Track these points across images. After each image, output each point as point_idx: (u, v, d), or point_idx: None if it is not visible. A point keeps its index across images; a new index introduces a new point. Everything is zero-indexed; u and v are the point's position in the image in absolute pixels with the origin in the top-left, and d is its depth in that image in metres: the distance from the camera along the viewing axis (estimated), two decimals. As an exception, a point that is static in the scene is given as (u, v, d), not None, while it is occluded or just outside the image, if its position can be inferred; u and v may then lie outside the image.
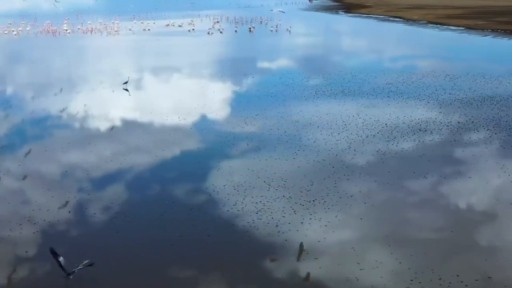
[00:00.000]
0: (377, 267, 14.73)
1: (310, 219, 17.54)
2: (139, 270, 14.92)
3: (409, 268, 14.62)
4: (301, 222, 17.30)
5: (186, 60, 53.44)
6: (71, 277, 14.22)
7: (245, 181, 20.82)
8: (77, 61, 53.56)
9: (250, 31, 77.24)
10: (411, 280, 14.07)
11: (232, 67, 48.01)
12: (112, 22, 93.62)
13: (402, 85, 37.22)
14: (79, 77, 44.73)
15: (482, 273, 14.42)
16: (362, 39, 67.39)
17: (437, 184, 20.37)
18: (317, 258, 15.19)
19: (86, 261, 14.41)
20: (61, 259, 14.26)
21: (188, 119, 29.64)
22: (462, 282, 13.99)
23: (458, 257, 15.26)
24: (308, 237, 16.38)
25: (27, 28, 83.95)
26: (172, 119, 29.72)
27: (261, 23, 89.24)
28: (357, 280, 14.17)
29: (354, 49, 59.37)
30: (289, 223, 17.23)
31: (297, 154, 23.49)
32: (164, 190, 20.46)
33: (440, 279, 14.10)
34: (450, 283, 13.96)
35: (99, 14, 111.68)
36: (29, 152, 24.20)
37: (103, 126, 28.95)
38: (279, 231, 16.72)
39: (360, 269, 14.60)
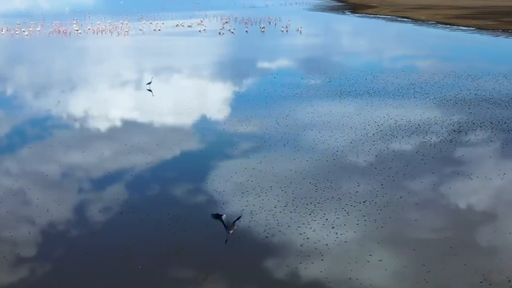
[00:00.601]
0: (377, 267, 14.66)
1: (310, 219, 17.46)
2: (139, 270, 14.79)
3: (410, 269, 14.55)
4: (301, 222, 17.22)
5: (202, 61, 53.19)
6: (231, 231, 16.09)
7: (245, 181, 20.78)
8: (95, 62, 53.26)
9: (262, 31, 77.02)
10: (411, 280, 14.01)
11: (249, 68, 47.78)
12: (121, 23, 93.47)
13: (426, 85, 37.09)
14: (100, 77, 44.51)
15: (483, 274, 14.34)
16: (374, 40, 67.14)
17: (437, 184, 20.21)
18: (317, 258, 15.13)
19: (239, 216, 16.88)
20: (224, 216, 16.39)
21: (213, 118, 29.54)
22: (462, 282, 13.93)
23: (458, 258, 15.15)
24: (308, 237, 16.30)
25: (38, 29, 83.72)
26: (197, 118, 29.60)
27: (270, 23, 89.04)
28: (358, 280, 14.08)
29: (369, 50, 59.14)
30: (289, 223, 17.16)
31: (297, 154, 23.48)
32: (164, 190, 20.37)
33: (440, 279, 14.02)
34: (450, 283, 13.89)
35: (106, 15, 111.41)
36: (51, 147, 24.00)
37: (129, 123, 28.83)
38: (279, 231, 16.63)
39: (360, 269, 14.53)
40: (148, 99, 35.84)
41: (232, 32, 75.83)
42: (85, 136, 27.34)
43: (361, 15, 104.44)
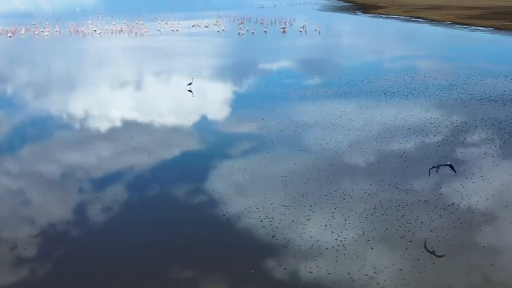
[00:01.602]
0: (377, 266, 14.52)
1: (311, 218, 17.33)
2: (140, 270, 14.68)
3: (410, 268, 14.44)
4: (302, 222, 17.09)
5: (232, 61, 52.91)
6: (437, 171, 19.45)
7: (245, 181, 20.66)
8: (128, 63, 52.90)
9: (283, 32, 76.65)
10: (411, 280, 13.90)
11: (282, 69, 47.46)
12: (136, 23, 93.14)
13: (468, 86, 36.81)
14: (138, 78, 44.18)
15: (483, 273, 14.21)
16: (398, 42, 66.84)
17: (437, 184, 20.00)
18: (317, 258, 15.03)
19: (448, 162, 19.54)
20: (448, 163, 19.73)
21: (258, 119, 29.31)
22: (462, 282, 13.81)
23: (458, 257, 15.00)
24: (308, 236, 16.16)
25: (56, 29, 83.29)
26: (252, 119, 29.35)
27: (285, 24, 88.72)
28: (357, 280, 13.96)
29: (395, 51, 58.81)
30: (289, 223, 17.03)
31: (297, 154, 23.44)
32: (166, 190, 20.23)
33: (440, 279, 13.91)
34: (450, 283, 13.78)
35: (118, 15, 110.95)
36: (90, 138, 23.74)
37: (173, 122, 28.52)
38: (279, 231, 16.53)
39: (360, 269, 14.41)
40: (188, 99, 35.52)
41: (252, 33, 75.46)
42: (134, 133, 27.04)
43: (373, 15, 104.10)
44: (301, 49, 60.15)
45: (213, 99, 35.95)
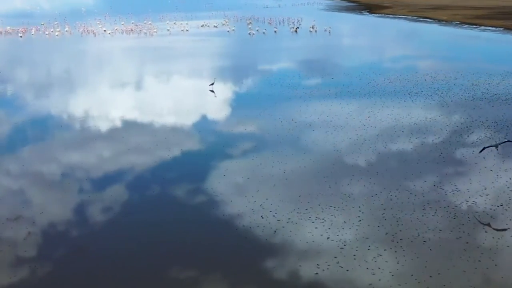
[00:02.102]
0: (377, 267, 14.46)
1: (311, 219, 17.23)
2: (140, 270, 14.61)
3: (410, 268, 14.38)
4: (302, 222, 17.01)
5: (249, 62, 52.76)
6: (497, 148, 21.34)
7: (245, 181, 20.59)
8: (145, 63, 52.69)
9: (295, 31, 76.47)
10: (411, 280, 13.84)
11: (300, 69, 47.32)
12: (145, 23, 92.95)
13: (490, 86, 36.68)
14: (158, 78, 44.04)
15: (483, 274, 14.13)
16: (410, 41, 66.65)
17: (437, 184, 19.88)
18: (317, 258, 14.94)
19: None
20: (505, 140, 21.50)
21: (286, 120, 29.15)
22: (462, 282, 13.73)
23: (458, 258, 14.89)
24: (308, 236, 16.07)
25: (66, 29, 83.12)
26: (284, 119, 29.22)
27: (293, 24, 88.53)
28: (357, 280, 13.88)
29: (409, 51, 58.60)
30: (289, 223, 16.94)
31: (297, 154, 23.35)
32: (166, 190, 20.17)
33: (440, 279, 13.84)
34: (450, 283, 13.70)
35: (124, 15, 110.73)
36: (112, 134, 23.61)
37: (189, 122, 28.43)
38: (279, 231, 16.45)
39: (360, 270, 14.33)
40: (211, 99, 35.37)
41: (263, 33, 75.27)
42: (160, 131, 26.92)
43: (380, 15, 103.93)
44: (314, 49, 59.98)
45: (233, 99, 35.75)
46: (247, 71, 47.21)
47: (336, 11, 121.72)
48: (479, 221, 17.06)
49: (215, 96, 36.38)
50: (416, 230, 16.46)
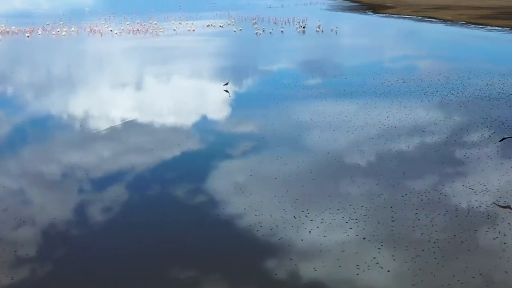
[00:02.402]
0: (377, 268, 14.39)
1: (310, 219, 17.21)
2: (140, 270, 14.56)
3: (410, 269, 14.33)
4: (301, 222, 16.99)
5: (260, 62, 52.64)
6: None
7: (245, 181, 20.57)
8: (156, 63, 52.50)
9: (302, 31, 76.33)
10: (411, 281, 13.77)
11: (315, 69, 47.22)
12: (150, 23, 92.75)
13: (511, 86, 36.72)
14: (172, 78, 43.95)
15: (483, 275, 14.07)
16: (419, 41, 66.40)
17: (437, 184, 19.84)
18: (317, 258, 14.90)
19: None
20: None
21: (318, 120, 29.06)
22: (462, 283, 13.67)
23: (458, 258, 14.84)
24: (308, 237, 16.04)
25: (72, 29, 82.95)
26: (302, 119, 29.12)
27: (298, 24, 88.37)
28: (357, 280, 13.85)
29: (420, 52, 58.49)
30: (289, 223, 16.91)
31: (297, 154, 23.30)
32: (167, 190, 20.13)
33: (440, 280, 13.78)
34: (450, 284, 13.64)
35: (129, 15, 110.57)
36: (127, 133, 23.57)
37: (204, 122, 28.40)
38: (279, 231, 16.41)
39: (360, 270, 14.28)
40: (225, 99, 35.27)
41: (270, 32, 75.14)
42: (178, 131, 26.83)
43: (384, 15, 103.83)
44: (323, 49, 59.90)
45: (246, 99, 35.66)
46: (257, 71, 47.12)
47: (340, 11, 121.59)
48: (480, 221, 17.00)
49: (230, 96, 36.26)
50: (416, 230, 16.43)
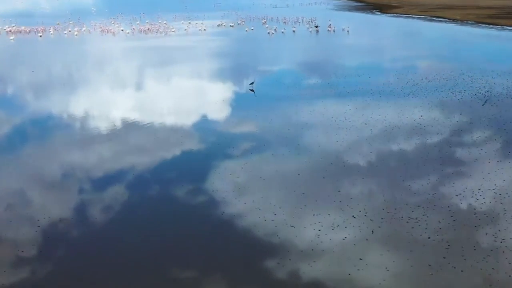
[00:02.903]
0: (377, 267, 14.31)
1: (310, 219, 17.12)
2: (140, 270, 14.47)
3: (409, 269, 14.24)
4: (301, 222, 16.88)
5: (281, 61, 52.34)
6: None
7: (245, 181, 20.47)
8: (178, 62, 52.16)
9: (316, 31, 75.97)
10: (411, 281, 13.71)
11: (340, 68, 46.94)
12: (159, 23, 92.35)
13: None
14: (201, 78, 43.68)
15: (483, 274, 13.98)
16: (434, 41, 66.00)
17: (437, 184, 19.72)
18: (317, 258, 14.82)
19: None
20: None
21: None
22: (462, 282, 13.59)
23: (458, 258, 14.75)
24: (307, 237, 15.94)
25: (83, 29, 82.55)
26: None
27: (308, 23, 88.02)
28: (357, 280, 13.77)
29: (438, 51, 58.16)
30: (289, 223, 16.82)
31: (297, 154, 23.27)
32: (167, 190, 20.05)
33: (440, 279, 13.70)
34: (450, 284, 13.54)
35: (136, 15, 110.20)
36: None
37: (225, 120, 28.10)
38: (279, 231, 16.32)
39: (360, 270, 14.19)
40: (251, 98, 34.99)
41: (282, 32, 74.81)
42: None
43: (393, 15, 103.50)
44: (340, 49, 59.63)
45: (271, 98, 35.27)
46: (279, 71, 46.86)
47: (347, 10, 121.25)
48: (480, 221, 16.86)
49: (255, 96, 35.95)
50: (416, 230, 16.31)
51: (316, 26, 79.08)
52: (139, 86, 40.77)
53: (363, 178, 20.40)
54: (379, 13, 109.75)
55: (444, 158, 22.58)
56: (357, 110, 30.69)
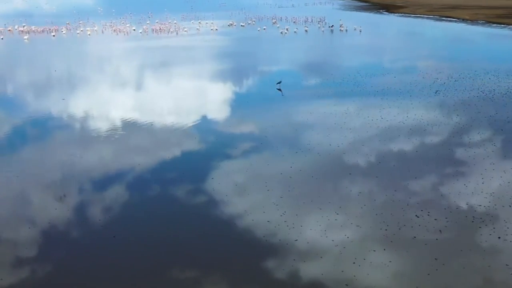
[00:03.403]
0: (377, 267, 14.18)
1: (310, 219, 16.99)
2: (140, 270, 14.31)
3: (409, 269, 14.15)
4: (301, 222, 16.73)
5: (302, 60, 51.98)
6: None
7: (245, 181, 20.29)
8: (197, 61, 51.78)
9: (332, 31, 75.59)
10: (411, 281, 13.59)
11: (367, 68, 46.59)
12: (169, 22, 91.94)
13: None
14: (229, 77, 43.31)
15: (483, 274, 13.85)
16: (450, 41, 65.70)
17: (437, 185, 19.52)
18: (317, 258, 14.70)
19: None
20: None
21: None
22: (462, 282, 13.47)
23: (458, 258, 14.62)
24: (308, 237, 15.81)
25: (95, 28, 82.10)
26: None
27: (319, 23, 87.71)
28: (357, 280, 13.62)
29: (457, 51, 57.82)
30: (289, 223, 16.65)
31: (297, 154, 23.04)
32: (168, 190, 19.75)
33: (439, 279, 13.58)
34: (450, 283, 13.43)
35: (144, 15, 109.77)
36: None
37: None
38: (279, 231, 16.17)
39: (360, 270, 14.06)
40: (278, 96, 34.62)
41: (295, 32, 74.44)
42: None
43: (400, 14, 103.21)
44: (358, 48, 59.21)
45: (300, 98, 34.91)
46: (301, 70, 46.47)
47: (353, 10, 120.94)
48: (479, 221, 16.68)
49: (282, 95, 35.58)
50: (416, 230, 16.15)
51: (331, 26, 78.69)
52: (164, 85, 40.34)
53: (363, 178, 20.22)
54: (386, 13, 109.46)
55: (444, 158, 22.22)
56: (392, 109, 30.32)
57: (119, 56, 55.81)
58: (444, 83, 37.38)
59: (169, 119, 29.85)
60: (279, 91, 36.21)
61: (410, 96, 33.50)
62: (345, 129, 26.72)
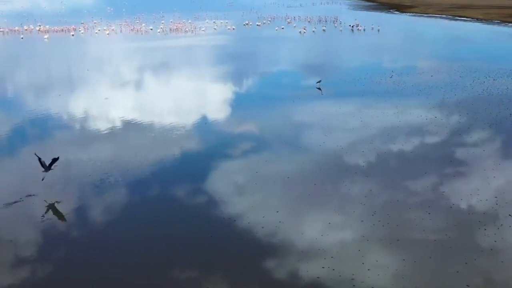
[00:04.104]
0: (376, 267, 13.96)
1: (310, 219, 16.75)
2: (139, 270, 14.10)
3: (409, 269, 13.92)
4: (301, 222, 16.48)
5: (337, 60, 51.42)
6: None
7: (245, 181, 20.01)
8: (225, 61, 51.22)
9: (352, 30, 75.02)
10: (411, 281, 13.37)
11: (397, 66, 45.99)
12: (183, 22, 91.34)
13: None
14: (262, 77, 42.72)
15: (483, 274, 13.62)
16: (473, 40, 65.22)
17: (437, 185, 19.16)
18: (316, 258, 14.50)
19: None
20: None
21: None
22: (461, 284, 13.22)
23: (458, 258, 14.36)
24: (307, 237, 15.56)
25: (112, 28, 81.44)
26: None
27: (334, 22, 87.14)
28: (357, 280, 13.42)
29: (483, 50, 57.35)
30: (289, 223, 16.41)
31: (297, 154, 22.63)
32: (168, 190, 19.37)
33: (439, 279, 13.40)
34: (449, 284, 13.25)
35: (157, 14, 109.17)
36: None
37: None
38: (279, 231, 15.93)
39: (360, 270, 13.86)
40: (317, 94, 34.03)
41: (313, 31, 73.84)
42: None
43: (412, 14, 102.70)
44: (384, 48, 58.62)
45: (338, 96, 34.31)
46: (335, 69, 45.86)
47: (364, 10, 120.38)
48: (480, 221, 16.37)
49: (322, 94, 34.98)
50: (416, 230, 15.89)
51: (352, 26, 78.04)
52: (196, 82, 39.70)
53: (363, 178, 19.84)
54: (397, 12, 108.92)
55: (444, 158, 21.80)
56: (433, 108, 29.75)
57: (147, 55, 54.87)
58: (484, 82, 36.76)
59: (194, 118, 29.24)
60: (319, 90, 35.65)
61: (455, 94, 32.94)
62: (394, 128, 26.02)
